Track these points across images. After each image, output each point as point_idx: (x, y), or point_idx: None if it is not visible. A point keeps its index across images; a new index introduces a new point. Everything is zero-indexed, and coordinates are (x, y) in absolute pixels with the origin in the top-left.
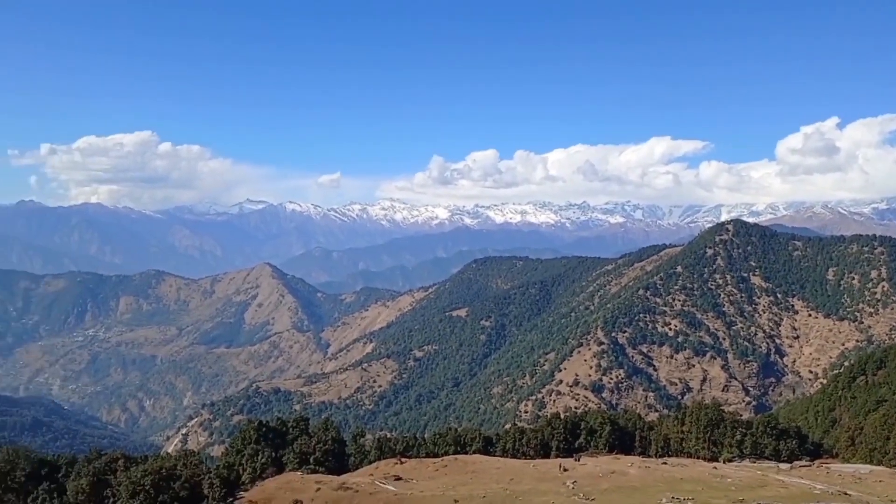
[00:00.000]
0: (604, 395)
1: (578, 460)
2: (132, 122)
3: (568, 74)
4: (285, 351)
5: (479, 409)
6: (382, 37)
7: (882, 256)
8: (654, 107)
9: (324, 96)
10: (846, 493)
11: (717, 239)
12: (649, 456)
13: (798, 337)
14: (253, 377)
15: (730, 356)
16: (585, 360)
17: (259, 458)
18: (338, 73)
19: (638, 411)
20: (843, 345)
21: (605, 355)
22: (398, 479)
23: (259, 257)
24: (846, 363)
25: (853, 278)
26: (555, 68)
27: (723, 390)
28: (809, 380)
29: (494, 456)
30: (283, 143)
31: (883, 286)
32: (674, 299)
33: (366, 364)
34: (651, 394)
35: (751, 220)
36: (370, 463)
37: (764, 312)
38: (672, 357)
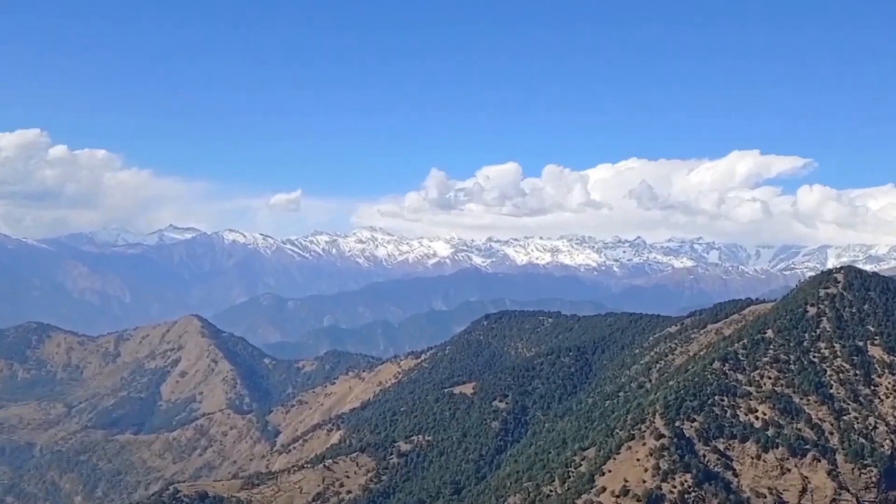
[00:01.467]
0: None
1: None
2: (14, 118)
3: (615, 63)
4: (217, 439)
5: None
6: (359, 12)
7: None
8: (736, 109)
9: (279, 87)
10: None
11: (823, 293)
12: None
13: None
14: (171, 476)
15: (839, 458)
16: (638, 460)
17: None
18: (298, 57)
19: None
20: None
21: (665, 453)
22: None
23: (184, 306)
24: None
25: None
26: (597, 54)
27: None
28: None
29: None
30: (223, 149)
31: None
32: (762, 376)
33: (330, 460)
34: None
35: (869, 267)
36: None
37: (888, 397)
38: (759, 458)
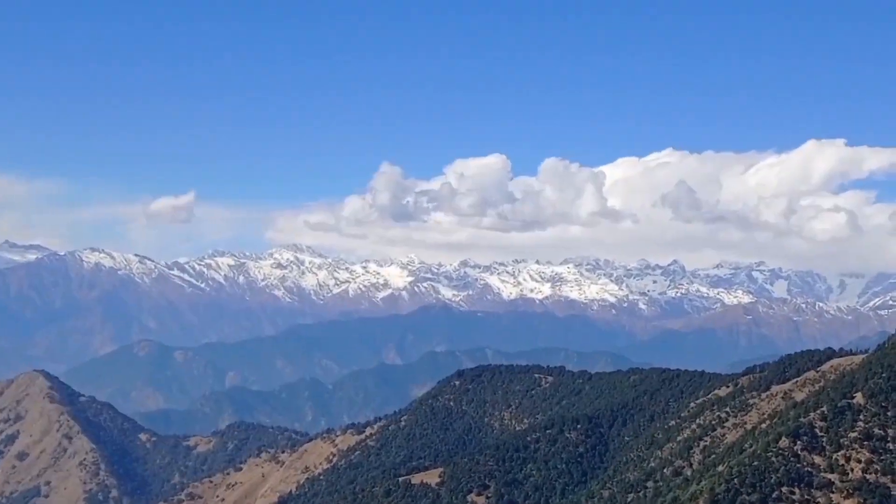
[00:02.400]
0: None
1: None
2: None
3: (641, 15)
4: None
5: None
6: None
7: None
8: (814, 82)
9: (157, 48)
10: None
11: None
12: None
13: None
14: None
15: None
16: None
17: None
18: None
19: None
20: None
21: None
22: None
23: (25, 358)
24: None
25: None
26: (615, 3)
27: None
28: None
29: None
30: (79, 136)
31: None
32: (848, 458)
33: None
34: None
35: None
36: None
37: None
38: None
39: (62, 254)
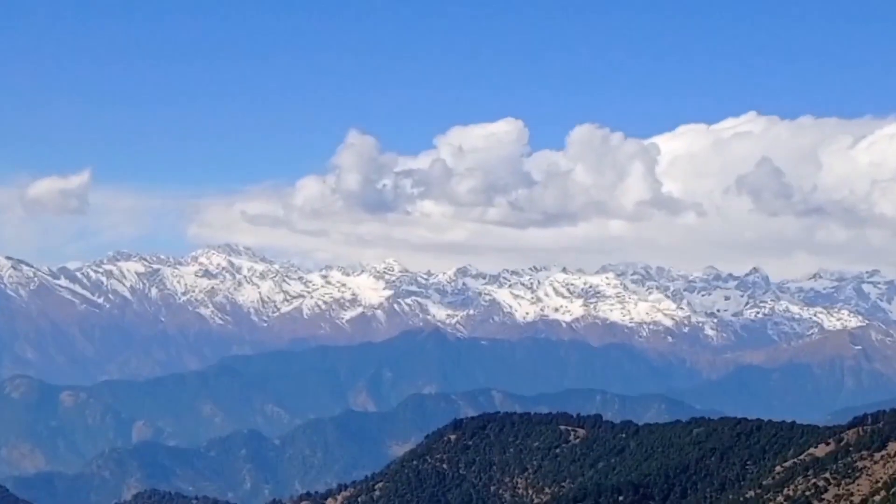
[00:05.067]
0: None
1: None
2: None
3: None
4: None
5: None
6: None
7: None
8: None
9: None
10: None
11: None
12: None
13: None
14: None
15: None
16: None
17: None
18: None
19: None
20: None
21: None
22: None
23: None
24: None
25: None
26: None
27: None
28: None
29: None
30: None
31: None
32: None
33: None
34: None
35: None
36: None
37: None
38: None
39: None
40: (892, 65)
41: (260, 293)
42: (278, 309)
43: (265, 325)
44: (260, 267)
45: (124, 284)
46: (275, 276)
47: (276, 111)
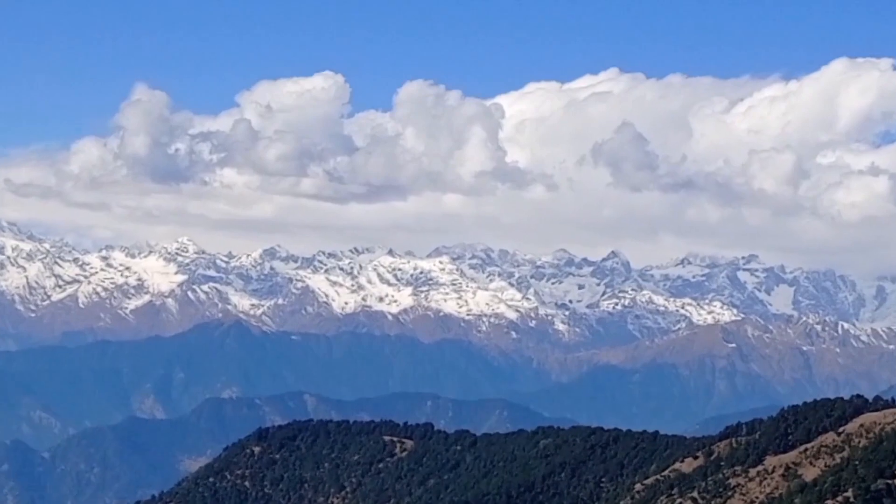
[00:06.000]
0: None
1: None
2: None
3: None
4: None
5: None
6: None
7: None
8: None
9: None
10: None
11: None
12: None
13: None
14: None
15: None
16: None
17: None
18: None
19: None
20: None
21: None
22: None
23: None
24: None
25: None
26: None
27: None
28: None
29: None
30: None
31: None
32: None
33: None
34: None
35: None
36: None
37: None
38: None
39: None
40: (775, 18)
41: (27, 277)
42: (49, 296)
43: (32, 315)
44: (27, 246)
45: None
46: (45, 258)
47: (48, 60)
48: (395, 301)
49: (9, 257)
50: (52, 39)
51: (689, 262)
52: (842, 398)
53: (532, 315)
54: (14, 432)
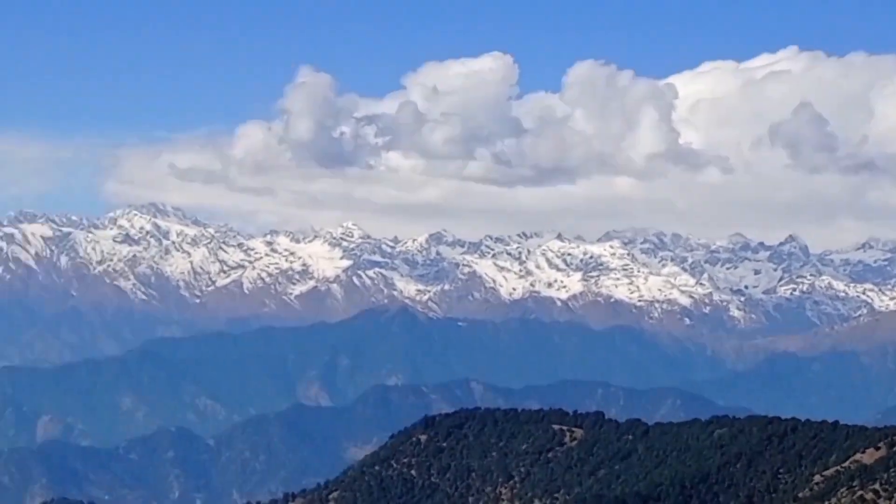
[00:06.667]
0: None
1: None
2: None
3: None
4: None
5: None
6: None
7: None
8: None
9: None
10: None
11: None
12: None
13: None
14: None
15: None
16: None
17: None
18: None
19: None
20: None
21: None
22: None
23: None
24: None
25: None
26: None
27: None
28: None
29: None
30: None
31: None
32: None
33: None
34: None
35: None
36: None
37: None
38: None
39: None
40: None
41: (191, 263)
42: (213, 282)
43: (197, 301)
44: (191, 231)
45: (28, 251)
46: (209, 243)
47: (212, 44)
48: (565, 287)
49: (174, 242)
50: (218, 24)
51: (871, 247)
52: None
53: (706, 301)
54: (179, 419)
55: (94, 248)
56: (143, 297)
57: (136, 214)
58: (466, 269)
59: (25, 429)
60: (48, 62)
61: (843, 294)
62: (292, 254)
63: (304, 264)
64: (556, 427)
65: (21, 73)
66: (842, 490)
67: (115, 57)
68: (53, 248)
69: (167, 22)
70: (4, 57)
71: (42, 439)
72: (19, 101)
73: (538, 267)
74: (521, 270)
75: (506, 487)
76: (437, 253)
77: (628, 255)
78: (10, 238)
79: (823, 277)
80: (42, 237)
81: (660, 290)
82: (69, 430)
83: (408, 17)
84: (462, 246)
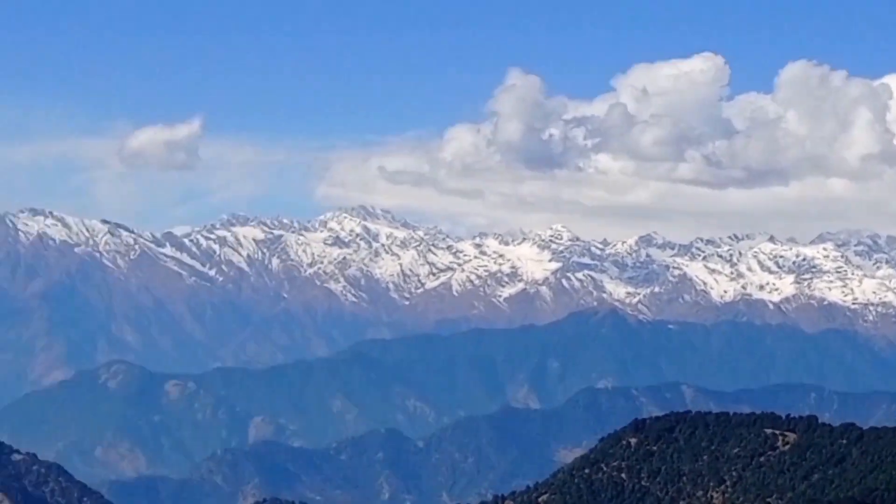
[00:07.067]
0: None
1: None
2: None
3: None
4: None
5: None
6: None
7: None
8: None
9: None
10: None
11: None
12: None
13: None
14: None
15: None
16: None
17: None
18: None
19: None
20: None
21: None
22: None
23: None
24: None
25: None
26: None
27: None
28: None
29: None
30: (20, 32)
31: None
32: None
33: None
34: None
35: None
36: None
37: None
38: None
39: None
40: None
41: (401, 265)
42: (422, 284)
43: (406, 303)
44: (401, 234)
45: (240, 254)
46: (418, 245)
47: (420, 48)
48: (777, 289)
49: (383, 245)
50: (428, 27)
51: None
52: None
53: None
54: (389, 420)
55: (304, 251)
56: (353, 299)
57: (346, 217)
58: (677, 272)
59: (238, 430)
60: (261, 67)
61: None
62: (501, 256)
63: (512, 266)
64: (768, 431)
65: (234, 80)
66: None
67: (328, 61)
68: (265, 250)
69: (377, 26)
70: (218, 64)
71: (254, 440)
72: (232, 106)
73: (750, 269)
74: (732, 273)
75: (717, 491)
76: (647, 255)
77: (842, 257)
78: (222, 241)
79: None
80: (254, 240)
81: (874, 292)
82: (281, 431)
83: (617, 18)
84: (672, 248)
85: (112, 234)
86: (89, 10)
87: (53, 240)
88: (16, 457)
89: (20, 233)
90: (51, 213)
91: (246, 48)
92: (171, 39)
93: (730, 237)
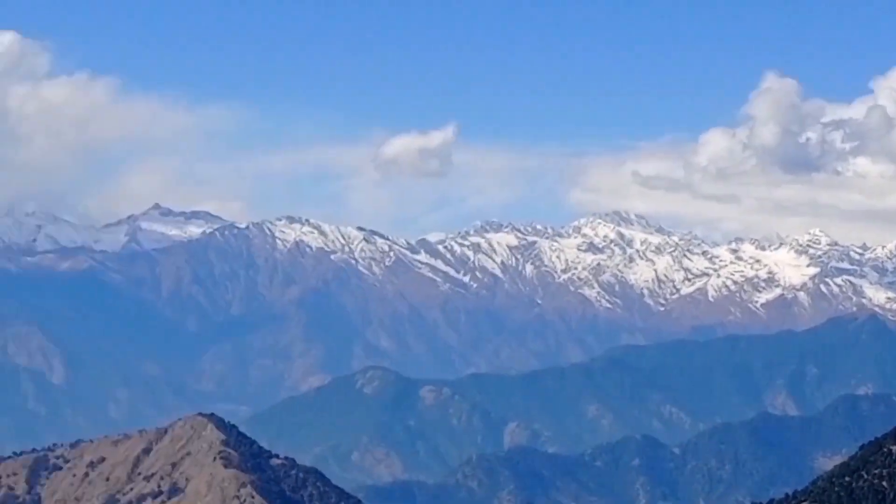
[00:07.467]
0: None
1: None
2: None
3: None
4: None
5: None
6: None
7: None
8: None
9: None
10: None
11: None
12: None
13: None
14: None
15: None
16: None
17: None
18: None
19: None
20: None
21: None
22: None
23: (184, 395)
24: None
25: None
26: None
27: None
28: None
29: None
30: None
31: None
32: None
33: None
34: None
35: None
36: None
37: None
38: None
39: (243, 226)
40: None
41: (655, 271)
42: (677, 290)
43: (662, 309)
44: (655, 239)
45: (494, 260)
46: (673, 251)
47: (676, 52)
48: None
49: (637, 251)
50: (682, 30)
51: None
52: None
53: None
54: (644, 427)
55: (558, 257)
56: (608, 304)
57: (599, 223)
58: None
59: (493, 435)
60: (514, 75)
61: None
62: (758, 261)
63: (769, 272)
64: None
65: (487, 87)
66: None
67: (582, 68)
68: (519, 256)
69: (633, 32)
70: (472, 71)
71: (509, 445)
72: (486, 113)
73: None
74: None
75: None
76: None
77: None
78: (476, 247)
79: None
80: (507, 246)
81: None
82: (536, 437)
83: (877, 19)
84: None
85: (367, 241)
86: (346, 19)
87: (310, 247)
88: (275, 461)
89: (278, 240)
90: (307, 220)
91: (499, 57)
92: (426, 48)
93: None
